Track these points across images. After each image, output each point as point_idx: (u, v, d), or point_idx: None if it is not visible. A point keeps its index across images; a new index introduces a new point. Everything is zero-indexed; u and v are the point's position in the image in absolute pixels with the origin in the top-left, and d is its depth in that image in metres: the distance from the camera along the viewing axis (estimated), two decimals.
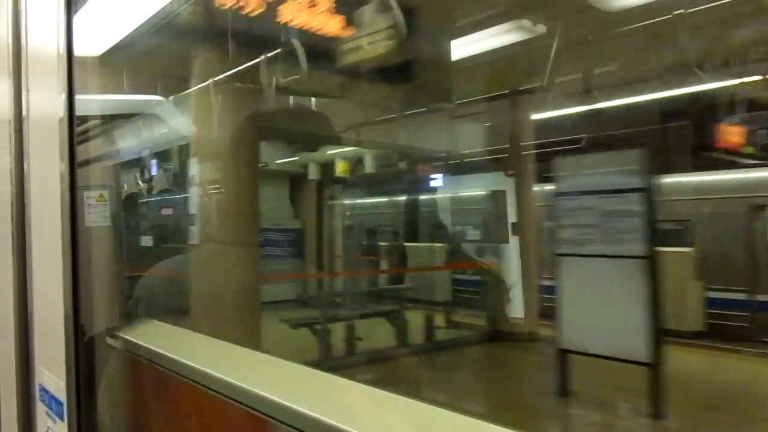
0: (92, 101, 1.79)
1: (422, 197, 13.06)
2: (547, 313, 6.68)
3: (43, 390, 1.52)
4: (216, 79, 4.82)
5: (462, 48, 5.84)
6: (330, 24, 3.26)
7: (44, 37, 1.46)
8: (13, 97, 1.63)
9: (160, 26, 4.41)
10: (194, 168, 5.47)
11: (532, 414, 4.63)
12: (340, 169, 10.80)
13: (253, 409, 1.60)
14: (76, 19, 1.38)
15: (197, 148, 5.55)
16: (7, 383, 1.66)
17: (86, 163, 1.66)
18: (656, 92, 7.40)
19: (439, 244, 11.62)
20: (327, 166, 11.18)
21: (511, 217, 8.13)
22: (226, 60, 4.62)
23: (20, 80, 1.60)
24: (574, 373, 4.89)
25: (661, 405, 4.30)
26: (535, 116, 8.07)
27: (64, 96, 1.36)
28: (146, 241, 10.06)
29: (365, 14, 3.17)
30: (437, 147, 9.80)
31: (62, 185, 1.37)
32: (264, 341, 5.09)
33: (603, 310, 4.87)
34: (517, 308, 7.68)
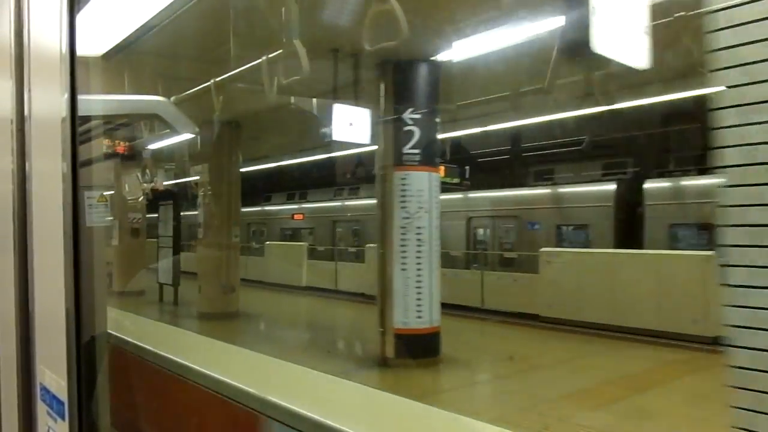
0: (95, 101, 1.79)
1: None
2: None
3: (44, 389, 1.52)
4: None
5: None
6: None
7: (47, 37, 1.46)
8: (15, 96, 1.63)
9: None
10: None
11: None
12: None
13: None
14: (79, 18, 1.38)
15: None
16: (8, 382, 1.66)
17: (88, 163, 1.66)
18: None
19: None
20: None
21: None
22: None
23: (23, 80, 1.60)
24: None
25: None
26: None
27: (66, 96, 1.36)
28: None
29: None
30: None
31: (64, 185, 1.37)
32: None
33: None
34: None
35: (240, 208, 11.29)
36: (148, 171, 14.19)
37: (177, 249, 12.11)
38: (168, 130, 9.95)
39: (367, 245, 13.43)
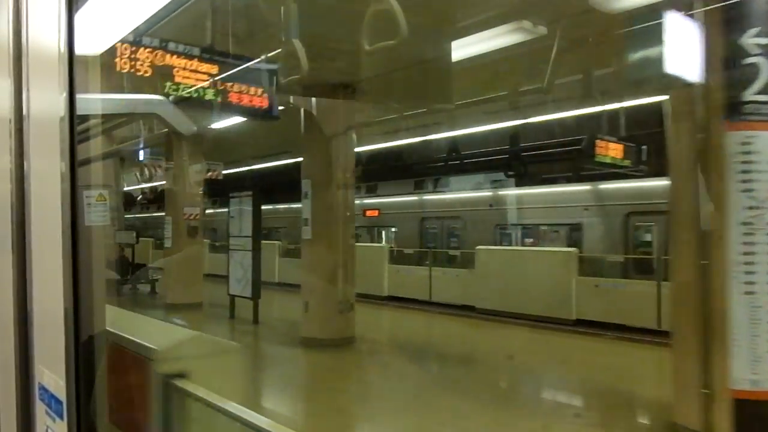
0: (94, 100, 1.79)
1: None
2: None
3: (43, 389, 1.51)
4: None
5: None
6: None
7: (45, 35, 1.46)
8: (13, 95, 1.63)
9: None
10: None
11: None
12: None
13: None
14: (78, 17, 1.38)
15: None
16: (7, 382, 1.66)
17: (87, 162, 1.66)
18: None
19: None
20: None
21: None
22: None
23: (21, 79, 1.60)
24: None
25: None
26: None
27: (64, 95, 1.36)
28: None
29: None
30: None
31: (63, 184, 1.37)
32: None
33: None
34: None
35: (354, 200, 8.67)
36: (147, 170, 13.96)
37: (257, 252, 9.70)
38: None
39: (478, 247, 11.30)
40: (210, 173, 12.04)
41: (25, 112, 1.59)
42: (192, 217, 11.38)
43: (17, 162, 1.62)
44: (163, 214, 12.57)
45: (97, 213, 1.87)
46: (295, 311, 8.59)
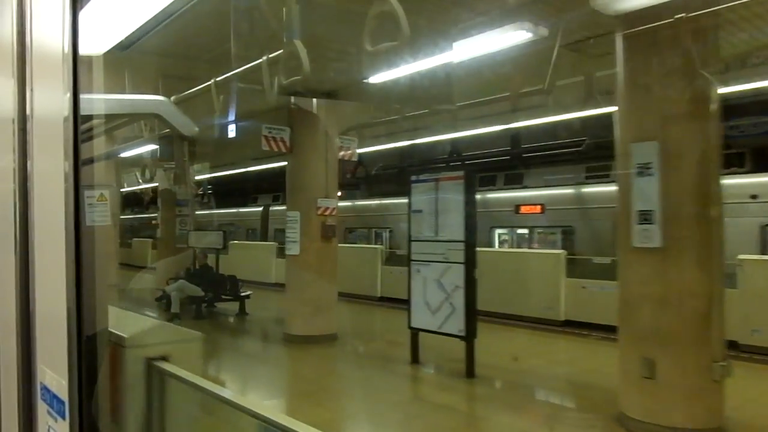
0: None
1: None
2: None
3: (45, 389, 1.52)
4: None
5: None
6: None
7: (49, 35, 1.46)
8: (17, 95, 1.63)
9: None
10: None
11: None
12: None
13: None
14: (82, 16, 1.38)
15: None
16: (9, 382, 1.66)
17: (89, 162, 1.66)
18: None
19: None
20: None
21: None
22: None
23: (25, 79, 1.60)
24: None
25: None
26: None
27: (68, 95, 1.36)
28: None
29: None
30: None
31: (66, 184, 1.37)
32: None
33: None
34: None
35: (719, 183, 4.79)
36: (148, 171, 13.87)
37: (471, 266, 6.24)
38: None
39: (741, 257, 7.52)
40: (342, 152, 8.88)
41: (28, 112, 1.59)
42: (329, 213, 8.31)
43: (21, 162, 1.63)
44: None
45: (98, 213, 1.87)
46: (507, 354, 6.78)
